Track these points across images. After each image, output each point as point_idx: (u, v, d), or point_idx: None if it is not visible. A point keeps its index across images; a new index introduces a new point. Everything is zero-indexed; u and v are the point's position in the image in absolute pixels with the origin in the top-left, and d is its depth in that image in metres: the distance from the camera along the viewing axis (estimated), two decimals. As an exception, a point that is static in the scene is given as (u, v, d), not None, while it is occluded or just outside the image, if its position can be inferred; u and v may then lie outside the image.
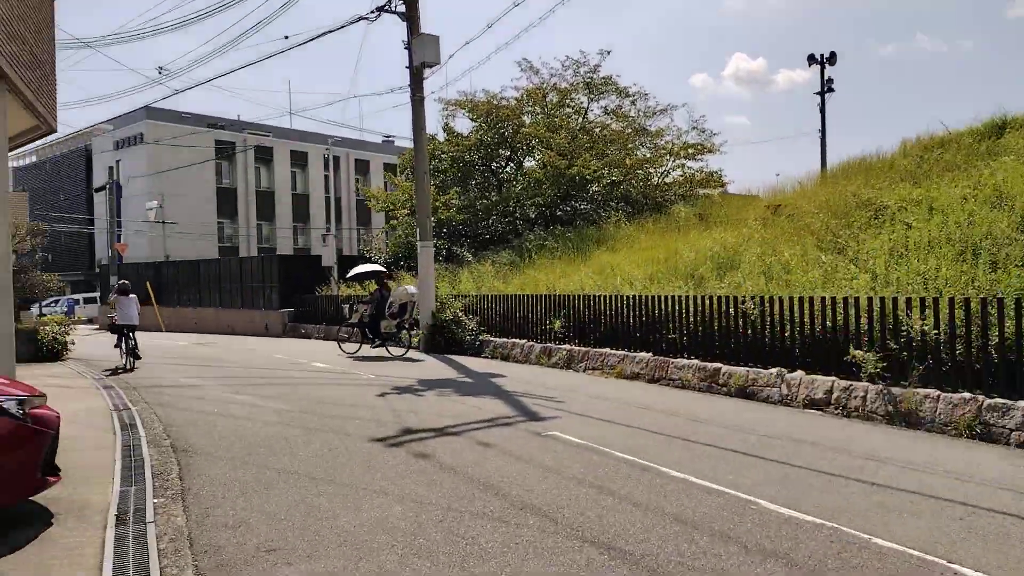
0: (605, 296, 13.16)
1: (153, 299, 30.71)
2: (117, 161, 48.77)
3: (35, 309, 47.16)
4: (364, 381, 11.37)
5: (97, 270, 47.10)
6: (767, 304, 10.05)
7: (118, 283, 15.58)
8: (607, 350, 12.55)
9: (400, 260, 25.55)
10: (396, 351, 15.98)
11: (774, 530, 4.34)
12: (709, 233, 16.48)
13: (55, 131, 9.91)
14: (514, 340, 15.12)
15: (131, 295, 14.71)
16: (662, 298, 11.80)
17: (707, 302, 10.95)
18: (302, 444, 6.94)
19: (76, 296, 49.63)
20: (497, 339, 15.68)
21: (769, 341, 9.96)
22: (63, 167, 55.61)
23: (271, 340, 22.42)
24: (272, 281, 25.39)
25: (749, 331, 10.25)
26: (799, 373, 9.32)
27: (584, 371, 12.60)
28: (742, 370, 9.98)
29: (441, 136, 26.19)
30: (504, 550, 4.13)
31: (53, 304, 49.58)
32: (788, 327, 9.75)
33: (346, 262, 26.29)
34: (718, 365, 10.37)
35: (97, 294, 42.36)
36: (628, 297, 12.56)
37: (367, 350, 16.38)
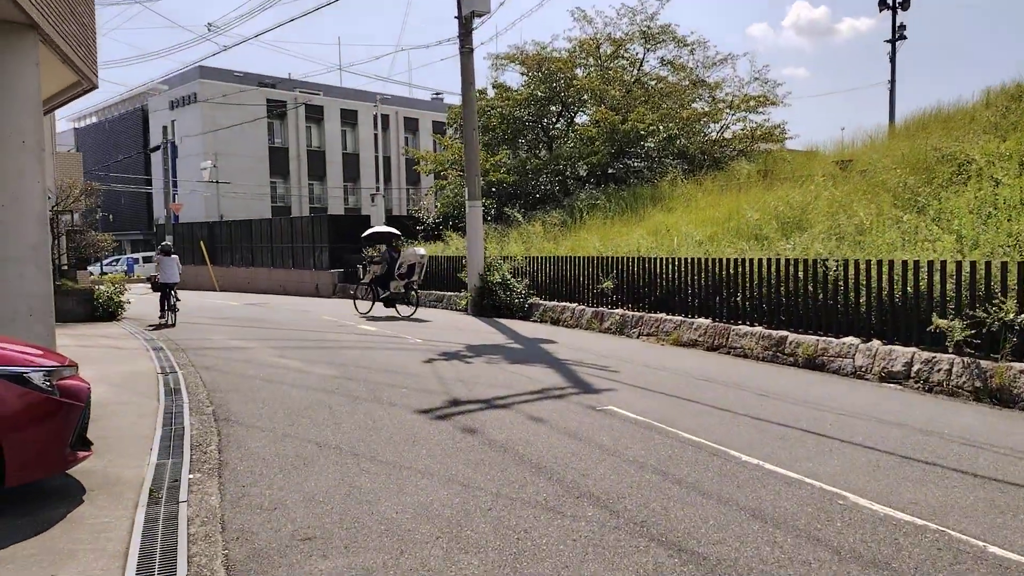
0: (661, 258, 12.52)
1: (207, 259, 31.10)
2: (172, 121, 49.36)
3: (96, 268, 48.63)
4: (411, 346, 11.07)
5: (154, 230, 48.07)
6: (842, 268, 9.32)
7: (161, 244, 16.45)
8: (662, 315, 11.97)
9: (449, 220, 25.16)
10: (405, 311, 16.65)
11: (869, 531, 3.82)
12: (772, 191, 15.60)
13: (96, 87, 9.66)
14: (564, 304, 14.64)
15: (173, 255, 15.56)
16: (724, 261, 11.12)
17: (774, 265, 10.25)
18: (346, 415, 6.63)
19: (136, 255, 50.93)
20: (547, 302, 15.22)
21: (842, 308, 9.25)
22: (121, 127, 56.63)
23: (320, 301, 22.42)
24: (322, 241, 25.34)
25: (820, 296, 9.55)
26: (875, 343, 8.63)
27: (638, 337, 12.07)
28: (811, 338, 9.31)
29: (491, 92, 25.49)
30: (560, 547, 3.71)
31: (114, 263, 51.09)
32: (864, 293, 9.02)
33: (395, 222, 26.06)
34: (784, 333, 9.72)
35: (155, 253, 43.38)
36: (686, 260, 11.90)
37: (379, 309, 16.88)
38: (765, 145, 23.41)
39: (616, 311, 13.08)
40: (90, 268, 48.19)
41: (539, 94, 23.89)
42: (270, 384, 8.12)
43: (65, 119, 64.85)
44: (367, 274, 17.10)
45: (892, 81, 38.80)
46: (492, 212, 24.96)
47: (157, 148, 35.26)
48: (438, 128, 48.82)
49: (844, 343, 8.90)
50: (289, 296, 25.15)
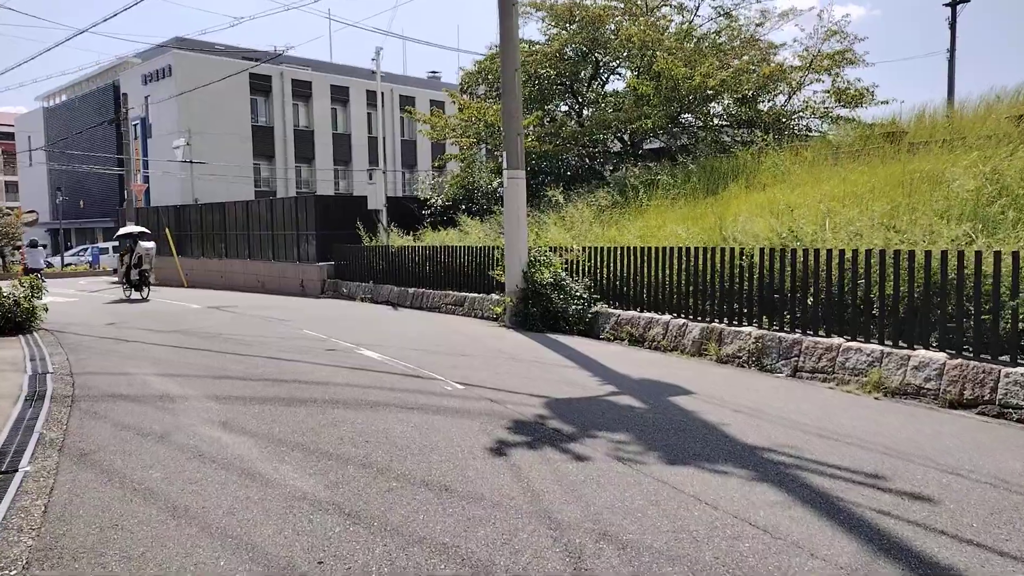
0: (854, 251, 8.10)
1: (173, 248, 26.57)
2: (146, 97, 44.64)
3: (57, 260, 43.93)
4: (447, 398, 6.67)
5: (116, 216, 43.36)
6: None
7: (31, 239, 18.59)
8: (839, 341, 7.62)
9: (461, 203, 20.72)
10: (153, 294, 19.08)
11: None
12: (921, 160, 11.29)
13: None
14: (650, 315, 10.27)
15: (39, 247, 19.58)
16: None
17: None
18: None
19: (105, 244, 46.26)
20: (620, 311, 10.86)
21: None
22: (91, 106, 51.65)
23: (305, 304, 17.94)
24: (308, 228, 20.84)
25: None
26: None
27: (797, 375, 7.71)
28: None
29: (515, 45, 20.97)
30: None
31: (82, 253, 46.34)
32: None
33: (396, 205, 21.60)
34: None
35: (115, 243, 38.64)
36: (887, 252, 7.50)
37: (133, 295, 19.52)
38: (844, 110, 19.06)
39: (745, 329, 8.73)
40: (50, 259, 43.46)
41: (576, 43, 19.39)
42: (187, 529, 3.75)
43: (34, 98, 59.76)
44: (121, 266, 19.88)
45: (952, 50, 34.53)
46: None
47: (113, 121, 30.49)
48: (435, 108, 44.18)
49: None
50: (268, 295, 20.65)
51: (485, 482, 4.29)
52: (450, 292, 15.07)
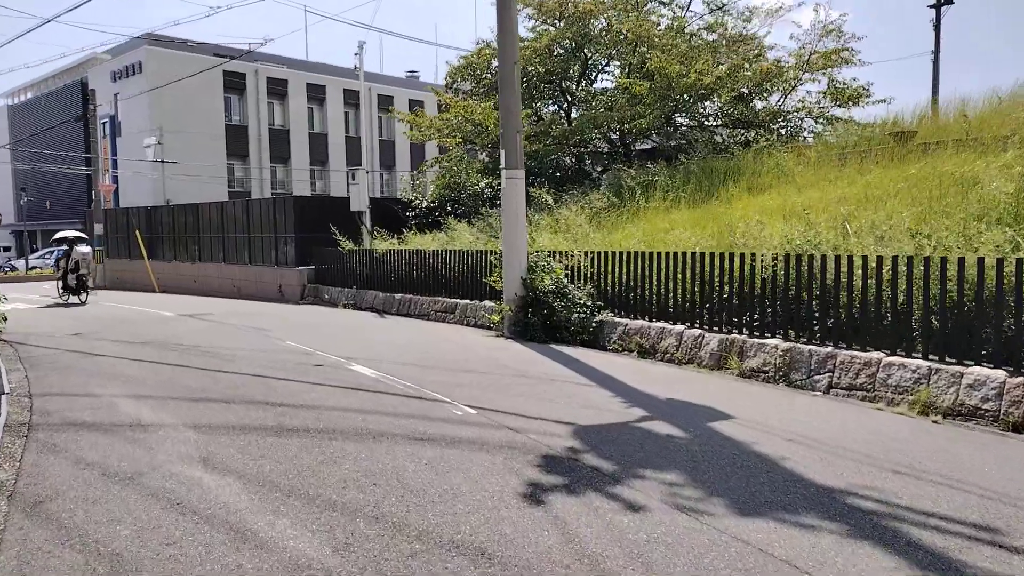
0: (893, 257, 7.52)
1: (144, 251, 25.48)
2: (115, 94, 43.26)
3: (22, 263, 42.35)
4: (458, 419, 5.95)
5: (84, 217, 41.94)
6: None
7: None
8: (878, 355, 7.02)
9: (447, 204, 19.96)
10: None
11: None
12: (938, 160, 10.80)
13: None
14: (661, 325, 9.61)
15: None
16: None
17: None
18: None
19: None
20: (627, 320, 10.20)
21: None
22: (58, 104, 49.99)
23: (286, 310, 17.08)
24: (287, 230, 19.94)
25: None
26: None
27: (832, 391, 7.10)
28: None
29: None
30: None
31: (47, 256, 44.71)
32: None
33: (377, 206, 20.76)
34: None
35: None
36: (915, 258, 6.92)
37: (71, 299, 19.16)
38: (839, 111, 18.62)
39: (769, 341, 8.10)
40: (13, 263, 41.82)
41: (568, 37, 18.71)
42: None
43: (-2, 96, 57.63)
44: (59, 271, 19.60)
45: (936, 52, 34.48)
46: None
47: (81, 118, 29.26)
48: (414, 107, 43.28)
49: None
50: (245, 301, 19.72)
51: (528, 542, 3.58)
52: (440, 298, 14.32)
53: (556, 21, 19.83)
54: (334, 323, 13.65)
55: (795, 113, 18.21)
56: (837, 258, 7.77)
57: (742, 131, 18.13)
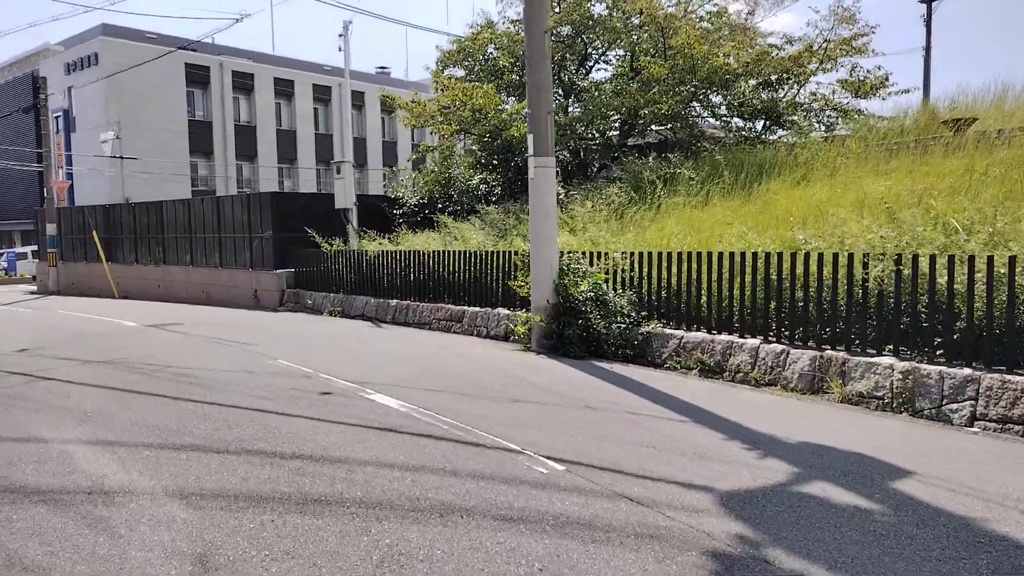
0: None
1: (102, 254, 23.35)
2: (69, 88, 40.63)
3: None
4: (547, 483, 4.39)
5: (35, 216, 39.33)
6: None
7: None
8: (1043, 381, 5.63)
9: (436, 202, 18.34)
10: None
11: None
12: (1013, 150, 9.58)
13: None
14: (728, 338, 8.14)
15: None
16: None
17: None
18: None
19: (24, 248, 41.95)
20: (684, 332, 8.70)
21: None
22: (6, 97, 46.99)
23: (265, 318, 15.28)
24: (263, 230, 18.10)
25: None
26: None
27: (977, 423, 5.68)
28: None
29: (504, 25, 18.74)
30: None
31: (-2, 258, 41.85)
32: None
33: (363, 204, 18.99)
34: None
35: (34, 247, 34.72)
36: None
37: None
38: (863, 102, 17.48)
39: (882, 360, 6.66)
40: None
41: (574, 18, 17.25)
42: None
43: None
44: None
45: (927, 48, 33.80)
46: (500, 187, 18.35)
47: (30, 110, 26.95)
48: (385, 105, 41.37)
49: None
50: (217, 308, 17.83)
51: None
52: (444, 305, 12.70)
53: (554, 5, 18.37)
54: (326, 334, 11.96)
55: (820, 101, 17.01)
56: (971, 259, 6.37)
57: (765, 121, 16.90)
